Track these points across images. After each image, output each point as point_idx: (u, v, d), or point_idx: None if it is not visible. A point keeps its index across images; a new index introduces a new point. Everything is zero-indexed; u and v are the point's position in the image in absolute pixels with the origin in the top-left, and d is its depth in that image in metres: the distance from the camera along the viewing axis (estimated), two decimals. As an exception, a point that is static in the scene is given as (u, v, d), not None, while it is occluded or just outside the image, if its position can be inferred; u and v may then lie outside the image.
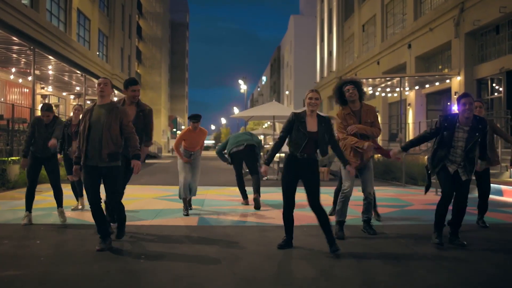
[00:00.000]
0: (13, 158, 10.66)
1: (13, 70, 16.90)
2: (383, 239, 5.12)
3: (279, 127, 30.45)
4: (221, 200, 8.47)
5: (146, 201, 8.14)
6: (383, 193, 9.59)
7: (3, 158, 10.29)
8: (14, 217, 6.20)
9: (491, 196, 9.14)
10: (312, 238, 5.07)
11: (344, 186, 5.25)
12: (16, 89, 18.98)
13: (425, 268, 3.96)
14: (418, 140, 5.22)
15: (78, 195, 6.97)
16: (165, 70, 59.20)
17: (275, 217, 6.46)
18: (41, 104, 6.72)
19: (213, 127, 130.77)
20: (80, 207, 6.96)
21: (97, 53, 28.91)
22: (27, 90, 19.73)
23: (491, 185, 9.48)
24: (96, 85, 4.53)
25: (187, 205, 6.85)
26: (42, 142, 5.75)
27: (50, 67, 16.17)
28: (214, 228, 5.71)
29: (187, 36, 75.55)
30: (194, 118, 6.96)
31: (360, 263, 4.08)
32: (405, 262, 4.14)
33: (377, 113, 5.61)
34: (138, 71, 48.62)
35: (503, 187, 9.17)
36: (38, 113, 16.10)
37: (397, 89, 18.20)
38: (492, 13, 14.86)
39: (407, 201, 8.58)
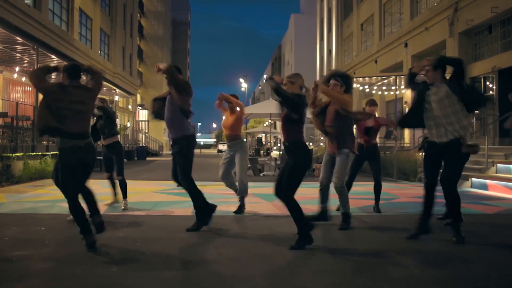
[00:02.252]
0: (17, 154, 11.05)
1: (17, 69, 17.30)
2: (366, 230, 5.49)
3: (278, 125, 30.75)
4: (216, 193, 8.81)
5: (146, 194, 8.53)
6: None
7: (8, 154, 10.68)
8: (19, 208, 6.59)
9: (476, 190, 9.54)
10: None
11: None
12: (19, 88, 19.39)
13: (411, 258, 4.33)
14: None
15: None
16: (166, 69, 59.49)
17: (266, 208, 6.86)
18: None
19: (214, 125, 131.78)
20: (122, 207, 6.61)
21: (99, 52, 29.32)
22: (30, 88, 20.13)
23: (478, 180, 9.86)
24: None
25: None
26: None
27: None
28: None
29: (188, 34, 75.92)
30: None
31: (338, 252, 4.46)
32: (385, 253, 4.51)
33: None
34: (140, 69, 49.02)
35: (488, 181, 9.53)
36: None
37: (393, 87, 18.56)
38: (485, 13, 15.20)
39: (395, 194, 8.94)
